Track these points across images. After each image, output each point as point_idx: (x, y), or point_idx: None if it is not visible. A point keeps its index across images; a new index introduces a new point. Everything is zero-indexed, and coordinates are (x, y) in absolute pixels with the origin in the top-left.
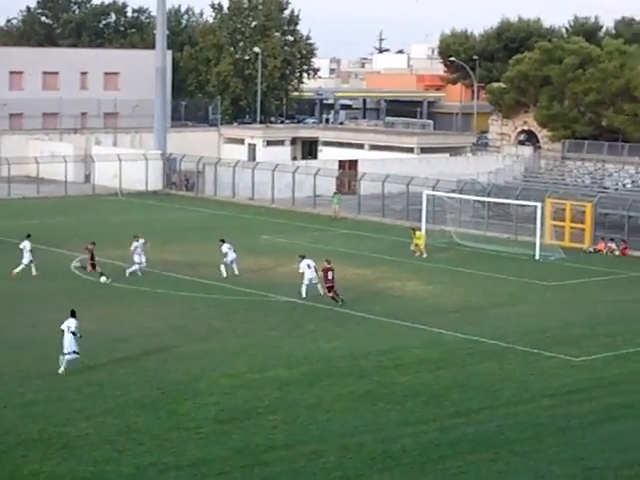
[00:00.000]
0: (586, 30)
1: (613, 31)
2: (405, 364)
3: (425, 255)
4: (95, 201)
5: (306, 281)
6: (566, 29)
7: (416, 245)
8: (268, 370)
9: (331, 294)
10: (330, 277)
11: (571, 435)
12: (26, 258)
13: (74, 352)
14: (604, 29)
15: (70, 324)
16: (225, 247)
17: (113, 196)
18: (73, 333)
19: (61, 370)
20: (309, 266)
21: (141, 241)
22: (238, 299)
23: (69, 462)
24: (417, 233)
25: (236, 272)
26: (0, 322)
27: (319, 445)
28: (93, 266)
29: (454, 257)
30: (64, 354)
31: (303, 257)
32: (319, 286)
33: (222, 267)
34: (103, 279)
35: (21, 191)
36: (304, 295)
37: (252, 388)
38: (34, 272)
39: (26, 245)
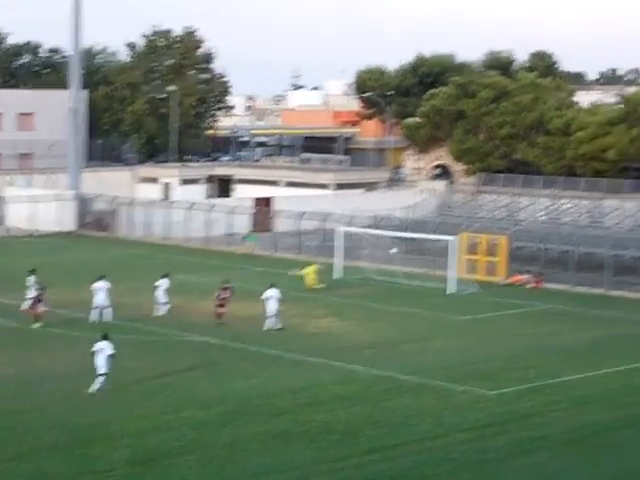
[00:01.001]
0: (500, 63)
1: (527, 64)
2: (320, 401)
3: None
4: (8, 242)
5: (269, 313)
6: (481, 63)
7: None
8: (184, 410)
9: (218, 310)
10: (222, 296)
11: (487, 468)
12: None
13: (102, 374)
14: (518, 62)
15: (104, 346)
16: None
17: (27, 237)
18: (111, 356)
19: (91, 390)
20: (272, 297)
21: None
22: (153, 339)
23: None
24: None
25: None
26: None
27: None
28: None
29: (370, 293)
30: (100, 375)
31: (271, 285)
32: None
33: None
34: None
35: None
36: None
37: (168, 429)
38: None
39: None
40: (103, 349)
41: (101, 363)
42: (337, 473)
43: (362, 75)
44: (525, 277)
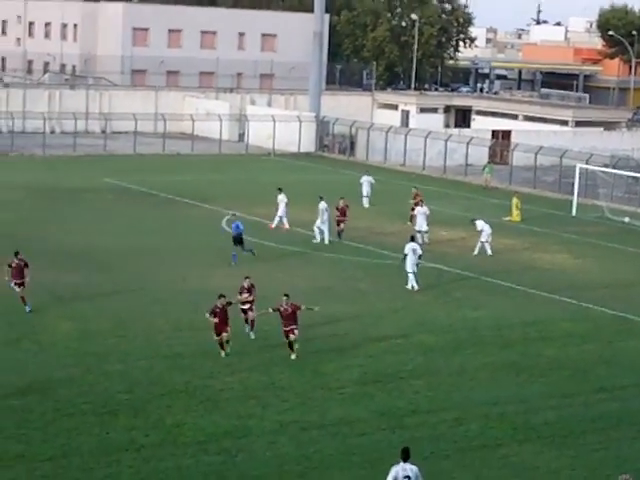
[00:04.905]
0: None
1: None
2: (551, 337)
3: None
4: (248, 160)
5: (483, 238)
6: None
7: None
8: (413, 335)
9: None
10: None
11: None
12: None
13: (413, 272)
14: None
15: (415, 247)
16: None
17: (266, 156)
18: (419, 256)
19: (413, 286)
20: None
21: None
22: (385, 263)
23: (212, 415)
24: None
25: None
26: (151, 276)
27: (461, 412)
28: None
29: (605, 232)
30: (409, 272)
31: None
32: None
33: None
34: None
35: (175, 147)
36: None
37: (396, 352)
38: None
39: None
40: (415, 249)
41: (412, 262)
42: (565, 409)
43: (605, 13)
44: None
